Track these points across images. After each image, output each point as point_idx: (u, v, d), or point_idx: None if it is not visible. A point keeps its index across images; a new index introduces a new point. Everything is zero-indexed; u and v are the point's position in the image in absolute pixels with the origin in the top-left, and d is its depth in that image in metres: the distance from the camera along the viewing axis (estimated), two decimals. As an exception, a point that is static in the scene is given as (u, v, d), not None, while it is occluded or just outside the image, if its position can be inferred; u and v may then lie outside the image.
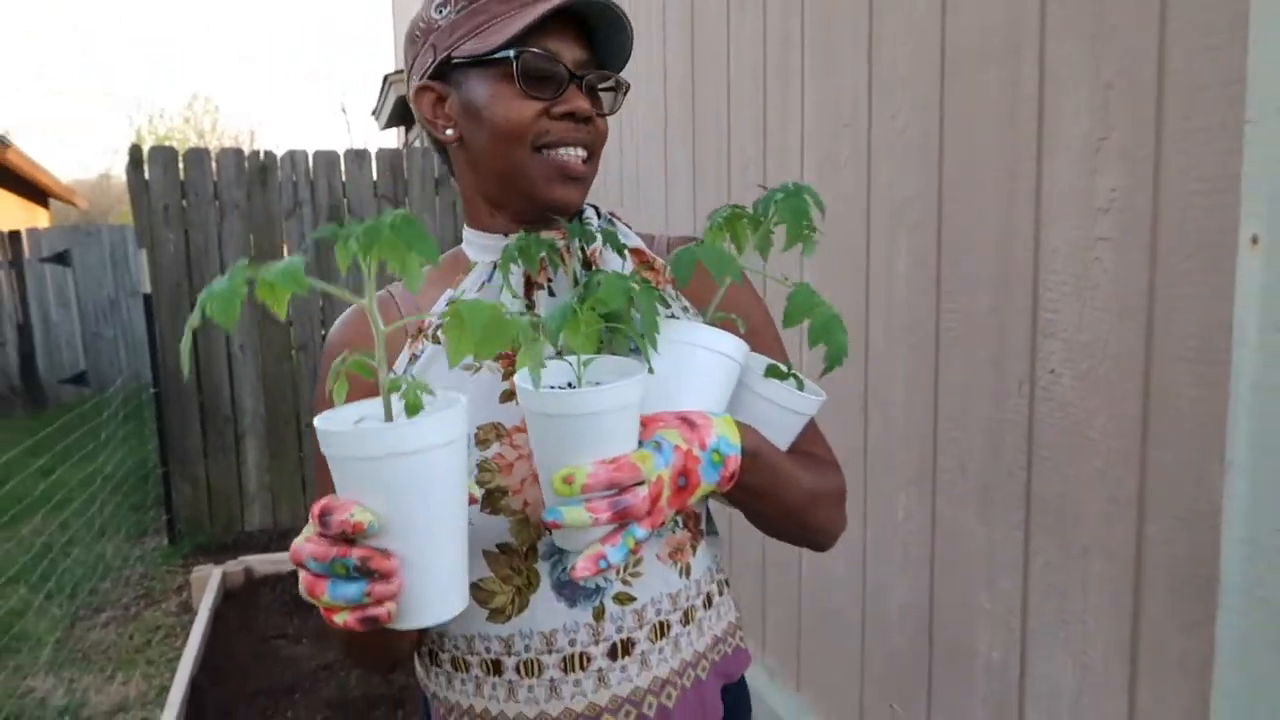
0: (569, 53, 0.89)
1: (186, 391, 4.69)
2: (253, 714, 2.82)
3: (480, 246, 0.96)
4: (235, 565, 4.09)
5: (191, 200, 4.67)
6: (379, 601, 0.65)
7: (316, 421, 0.66)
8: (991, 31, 1.55)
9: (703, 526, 0.94)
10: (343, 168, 4.93)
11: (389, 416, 0.68)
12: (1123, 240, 1.30)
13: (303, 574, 0.67)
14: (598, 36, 0.92)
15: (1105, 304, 1.34)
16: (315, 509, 0.66)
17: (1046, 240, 1.44)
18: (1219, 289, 1.17)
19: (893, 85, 1.84)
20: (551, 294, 0.92)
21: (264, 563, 4.14)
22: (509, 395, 0.88)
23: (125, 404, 6.43)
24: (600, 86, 0.94)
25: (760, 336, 0.98)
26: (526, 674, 0.87)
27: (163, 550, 4.56)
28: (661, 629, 0.89)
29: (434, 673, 0.94)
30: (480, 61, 0.89)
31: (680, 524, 0.91)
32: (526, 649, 0.87)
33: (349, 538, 0.65)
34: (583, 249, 0.93)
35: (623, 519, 0.72)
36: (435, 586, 0.69)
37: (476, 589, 0.88)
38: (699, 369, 0.84)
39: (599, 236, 0.91)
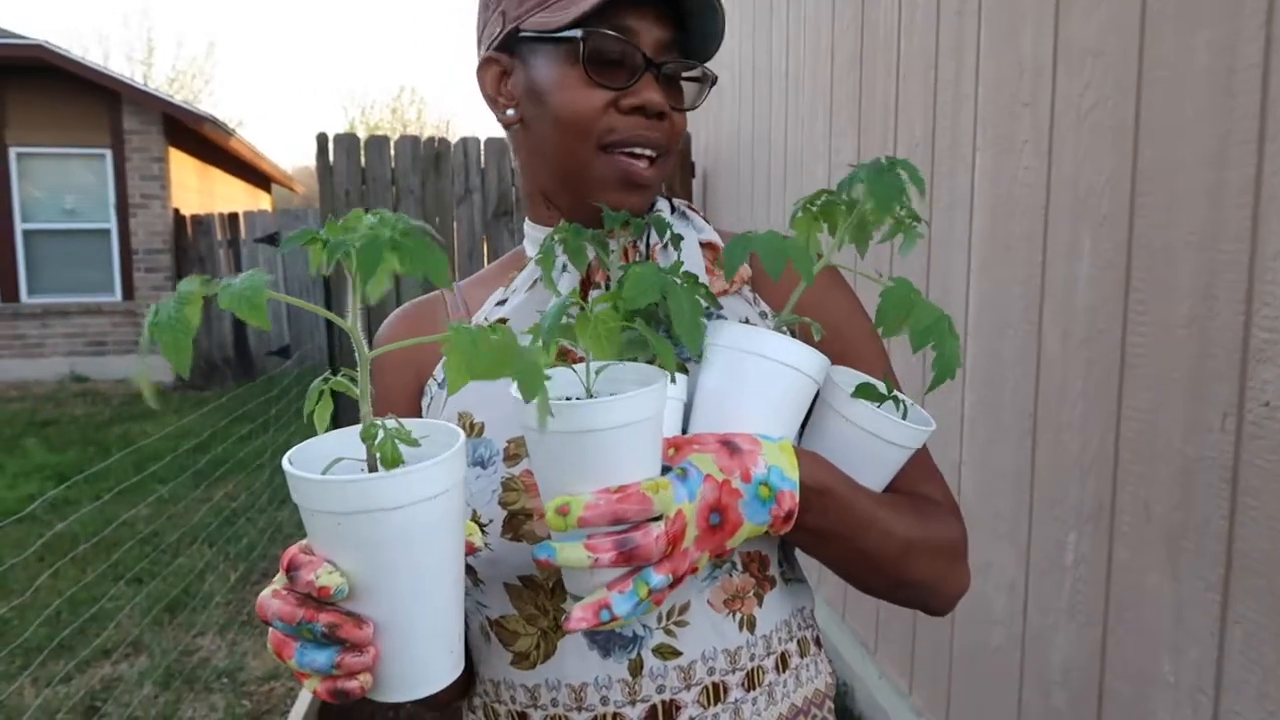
0: (649, 33, 0.76)
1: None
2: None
3: (536, 241, 0.85)
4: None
5: (370, 185, 4.83)
6: (351, 674, 0.56)
7: (284, 460, 0.57)
8: (1205, -16, 1.27)
9: (773, 572, 0.78)
10: (512, 155, 4.97)
11: (371, 462, 0.58)
12: (1371, 243, 1.02)
13: (271, 630, 0.59)
14: (686, 17, 0.78)
15: (1343, 323, 1.06)
16: (284, 559, 0.57)
17: (1265, 242, 1.17)
18: None
19: (1081, 56, 1.57)
20: None
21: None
22: None
23: (311, 377, 6.81)
24: (683, 76, 0.81)
25: (855, 348, 0.81)
26: None
27: (335, 520, 4.76)
28: (715, 692, 0.74)
29: (468, 718, 0.84)
30: (548, 38, 0.77)
31: (739, 566, 0.75)
32: (554, 703, 0.74)
33: (317, 599, 0.56)
34: (648, 245, 0.79)
35: (630, 561, 0.59)
36: (419, 656, 0.59)
37: (499, 627, 0.77)
38: (760, 383, 0.68)
39: (652, 227, 0.77)
